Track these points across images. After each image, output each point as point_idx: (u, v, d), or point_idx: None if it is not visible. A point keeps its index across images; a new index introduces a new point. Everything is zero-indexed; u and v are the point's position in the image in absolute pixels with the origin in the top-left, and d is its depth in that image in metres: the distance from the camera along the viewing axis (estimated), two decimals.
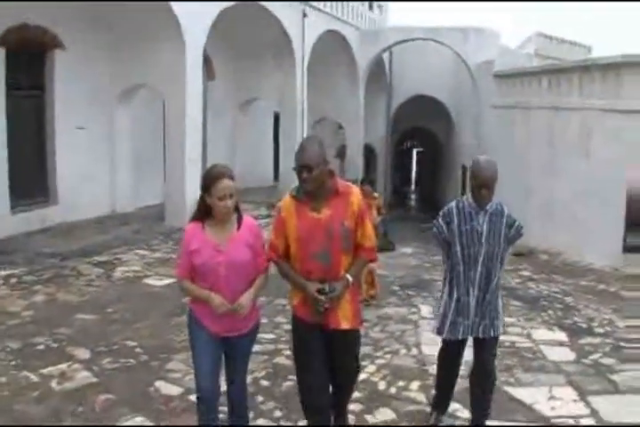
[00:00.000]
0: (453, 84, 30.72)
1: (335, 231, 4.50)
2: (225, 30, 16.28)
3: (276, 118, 23.33)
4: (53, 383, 6.01)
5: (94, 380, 6.13)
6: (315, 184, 4.46)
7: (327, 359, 4.63)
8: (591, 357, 7.22)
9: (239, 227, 4.48)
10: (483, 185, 4.85)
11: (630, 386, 6.24)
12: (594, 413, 5.62)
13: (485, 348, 5.07)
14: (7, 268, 10.31)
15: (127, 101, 15.94)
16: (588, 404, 5.81)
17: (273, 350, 7.03)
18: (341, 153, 29.15)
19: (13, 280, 9.80)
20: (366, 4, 28.65)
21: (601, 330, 8.38)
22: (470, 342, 5.16)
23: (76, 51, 14.20)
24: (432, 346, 7.29)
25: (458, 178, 29.16)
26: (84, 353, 6.83)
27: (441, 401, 5.44)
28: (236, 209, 4.47)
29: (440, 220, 5.08)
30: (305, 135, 21.88)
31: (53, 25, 13.57)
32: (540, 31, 35.55)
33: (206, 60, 15.81)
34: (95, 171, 15.23)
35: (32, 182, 13.71)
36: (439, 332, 5.15)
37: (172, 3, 13.71)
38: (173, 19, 13.97)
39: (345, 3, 24.73)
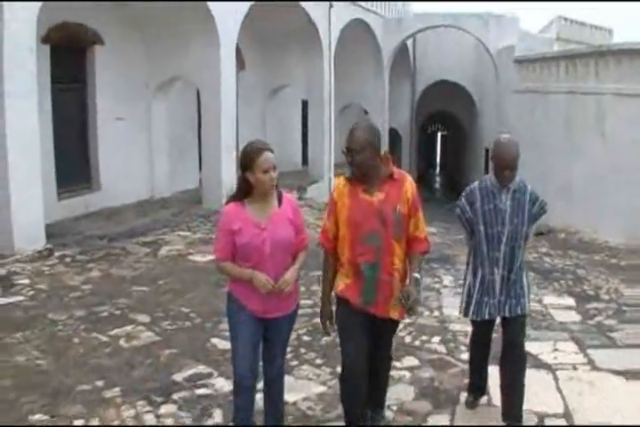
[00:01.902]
0: (475, 70, 31.24)
1: (387, 215, 4.43)
2: (254, 20, 16.88)
3: (304, 105, 24.02)
4: (122, 342, 6.88)
5: (157, 338, 7.00)
6: (360, 168, 4.44)
7: (369, 337, 4.63)
8: (595, 319, 7.98)
9: (280, 204, 4.42)
10: (505, 166, 4.74)
11: (627, 342, 7.04)
12: (590, 362, 6.42)
13: (513, 327, 4.97)
14: (60, 249, 10.99)
15: (164, 93, 16.65)
16: (586, 355, 6.61)
17: (312, 312, 7.79)
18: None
19: (68, 259, 10.51)
20: None
21: (607, 297, 9.15)
22: (498, 324, 5.20)
23: (114, 46, 14.92)
24: (452, 308, 8.13)
25: (481, 161, 29.78)
26: (144, 318, 7.66)
27: (476, 384, 5.42)
28: (276, 186, 4.42)
29: (463, 200, 5.00)
30: (332, 121, 22.71)
31: (93, 22, 14.24)
32: (562, 15, 35.67)
33: (237, 51, 16.51)
34: (134, 158, 15.97)
35: (76, 170, 14.41)
36: (465, 313, 5.08)
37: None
38: (207, 13, 14.64)
39: None
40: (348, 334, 4.62)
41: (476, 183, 5.03)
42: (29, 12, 10.38)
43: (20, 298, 8.42)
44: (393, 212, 4.45)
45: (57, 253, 10.75)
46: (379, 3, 26.74)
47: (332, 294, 4.72)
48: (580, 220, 15.87)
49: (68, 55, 14.13)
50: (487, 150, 27.80)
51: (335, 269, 4.68)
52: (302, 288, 8.85)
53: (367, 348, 4.61)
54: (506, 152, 4.76)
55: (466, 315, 5.09)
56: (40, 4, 10.59)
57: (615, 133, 15.06)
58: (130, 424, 5.06)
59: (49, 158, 12.98)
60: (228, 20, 15.40)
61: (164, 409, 5.29)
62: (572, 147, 17.10)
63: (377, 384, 4.92)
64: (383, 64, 28.02)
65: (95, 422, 5.05)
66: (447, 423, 5.09)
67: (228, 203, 4.45)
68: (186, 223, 13.72)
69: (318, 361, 6.35)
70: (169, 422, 5.09)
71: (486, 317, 4.97)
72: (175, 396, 5.52)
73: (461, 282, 9.53)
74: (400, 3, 30.72)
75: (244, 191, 4.36)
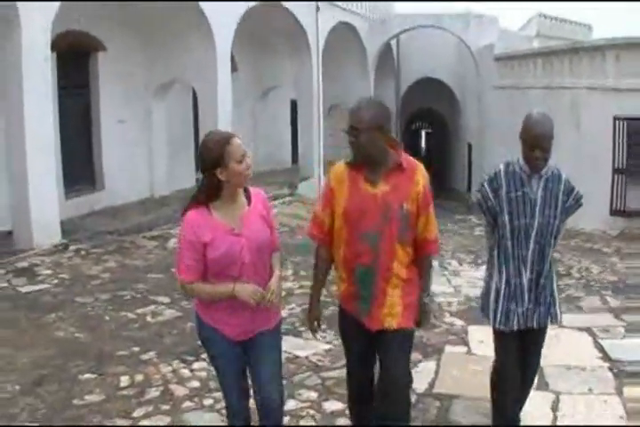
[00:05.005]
0: (457, 67, 31.95)
1: (393, 211, 3.83)
2: (244, 24, 17.54)
3: (293, 105, 24.82)
4: (148, 318, 7.81)
5: (179, 314, 7.93)
6: (364, 150, 3.82)
7: (373, 358, 4.18)
8: (566, 292, 8.93)
9: (249, 201, 3.81)
10: (535, 145, 4.07)
11: (592, 308, 8.04)
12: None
13: (534, 341, 4.48)
14: (74, 243, 11.78)
15: (162, 95, 17.44)
16: None
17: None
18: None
19: (83, 252, 11.34)
20: None
21: (578, 275, 10.11)
22: None
23: (116, 52, 15.68)
24: (436, 285, 9.01)
25: (464, 155, 30.66)
26: (164, 299, 8.56)
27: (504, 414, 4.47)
28: None
29: (486, 185, 4.30)
30: (321, 120, 23.57)
31: (95, 30, 14.98)
32: (542, 12, 36.26)
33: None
34: (135, 159, 16.74)
35: (81, 171, 15.18)
36: (494, 322, 4.35)
37: (201, 3, 15.22)
38: (203, 18, 15.46)
39: None
40: (349, 348, 4.29)
41: (502, 166, 4.33)
42: (45, 20, 11.19)
43: (46, 286, 9.27)
44: (399, 208, 3.84)
45: (72, 247, 11.52)
46: (363, 4, 27.49)
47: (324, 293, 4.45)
48: None
49: (73, 62, 14.85)
50: (470, 145, 28.76)
51: (329, 266, 4.18)
52: (303, 272, 9.80)
53: (372, 367, 4.21)
54: (537, 128, 4.10)
55: (494, 324, 4.36)
56: (55, 13, 11.37)
57: (588, 124, 15.91)
58: (169, 377, 5.99)
59: (57, 160, 13.60)
60: (224, 24, 16.21)
61: (196, 365, 6.25)
62: None
63: (393, 415, 3.98)
64: (368, 64, 28.75)
65: (140, 377, 5.97)
66: (434, 368, 6.02)
67: (185, 211, 3.72)
68: None
69: (323, 326, 7.23)
70: (203, 374, 6.04)
71: (514, 327, 4.30)
72: (204, 355, 6.40)
73: (446, 266, 10.61)
74: (383, 3, 31.47)
75: (211, 194, 3.68)
